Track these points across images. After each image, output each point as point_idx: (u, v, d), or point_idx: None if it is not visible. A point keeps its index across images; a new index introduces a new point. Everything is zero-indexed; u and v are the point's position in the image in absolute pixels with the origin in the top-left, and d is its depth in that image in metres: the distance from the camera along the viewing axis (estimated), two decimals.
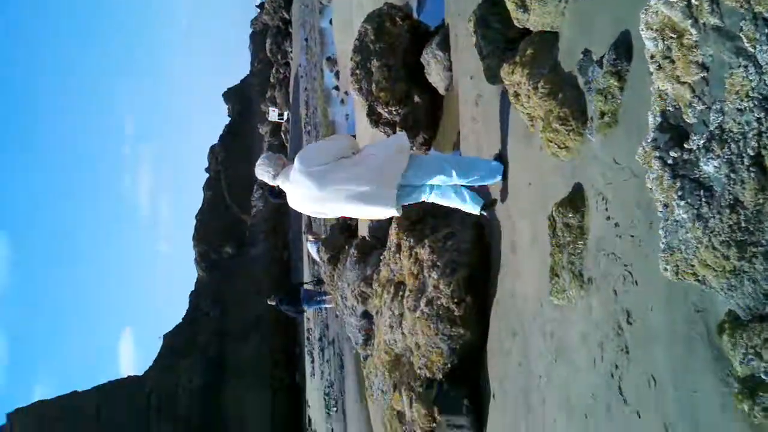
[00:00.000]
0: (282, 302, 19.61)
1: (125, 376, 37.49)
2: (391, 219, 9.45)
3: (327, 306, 19.06)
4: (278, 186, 6.48)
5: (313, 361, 27.39)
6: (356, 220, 18.78)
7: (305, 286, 21.34)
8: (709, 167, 2.89)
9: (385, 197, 6.23)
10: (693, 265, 3.12)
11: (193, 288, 38.70)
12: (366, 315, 11.64)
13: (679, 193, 3.04)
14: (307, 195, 6.26)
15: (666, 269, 3.29)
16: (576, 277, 4.94)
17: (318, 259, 18.48)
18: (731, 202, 2.82)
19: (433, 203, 7.06)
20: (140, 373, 36.39)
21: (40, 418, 33.66)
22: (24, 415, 33.93)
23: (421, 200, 6.76)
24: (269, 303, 19.83)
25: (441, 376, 7.72)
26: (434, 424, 7.76)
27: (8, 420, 34.30)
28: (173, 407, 32.88)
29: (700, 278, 3.15)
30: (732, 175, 2.79)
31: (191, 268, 38.71)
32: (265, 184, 6.52)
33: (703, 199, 2.93)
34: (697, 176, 2.97)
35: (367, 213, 6.45)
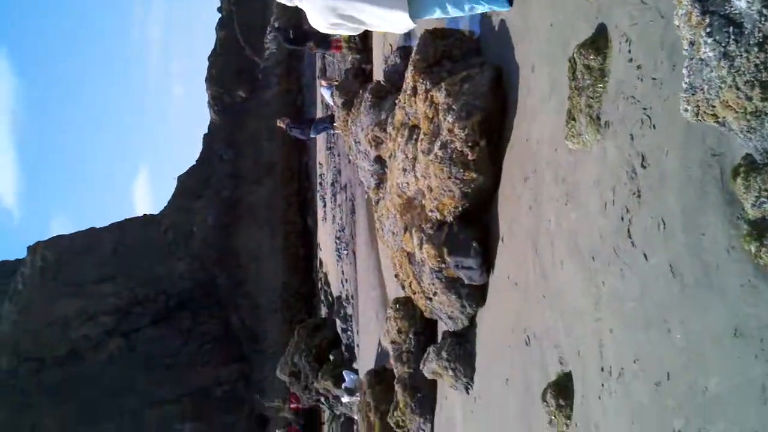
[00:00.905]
0: (291, 126, 20.35)
1: (141, 214, 38.30)
2: (407, 63, 9.28)
3: (334, 132, 19.38)
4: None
5: (324, 206, 27.80)
6: (371, 65, 18.48)
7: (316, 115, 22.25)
8: (741, 2, 2.79)
9: None
10: (714, 106, 3.07)
11: (206, 131, 38.75)
12: (379, 160, 11.66)
13: (707, 30, 2.95)
14: (322, 4, 6.10)
15: (686, 110, 3.24)
16: (593, 121, 4.90)
17: (331, 103, 18.37)
18: (760, 40, 2.74)
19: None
20: (156, 212, 37.18)
21: (59, 251, 34.79)
22: (44, 248, 35.05)
23: (437, 14, 6.42)
24: (279, 125, 20.44)
25: (452, 219, 7.83)
26: (443, 265, 7.95)
27: (29, 252, 35.48)
28: (188, 245, 33.84)
29: (720, 120, 3.11)
30: (765, 11, 2.69)
31: (204, 111, 38.56)
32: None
33: (732, 37, 2.85)
34: (727, 12, 2.87)
35: (379, 17, 6.22)
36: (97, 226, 35.93)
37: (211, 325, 32.77)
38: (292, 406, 27.11)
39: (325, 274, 28.18)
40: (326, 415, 26.57)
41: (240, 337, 32.52)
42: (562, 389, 5.69)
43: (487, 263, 7.79)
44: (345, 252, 22.89)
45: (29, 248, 35.52)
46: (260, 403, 31.01)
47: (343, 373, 19.14)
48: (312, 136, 21.65)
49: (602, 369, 4.96)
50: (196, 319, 32.93)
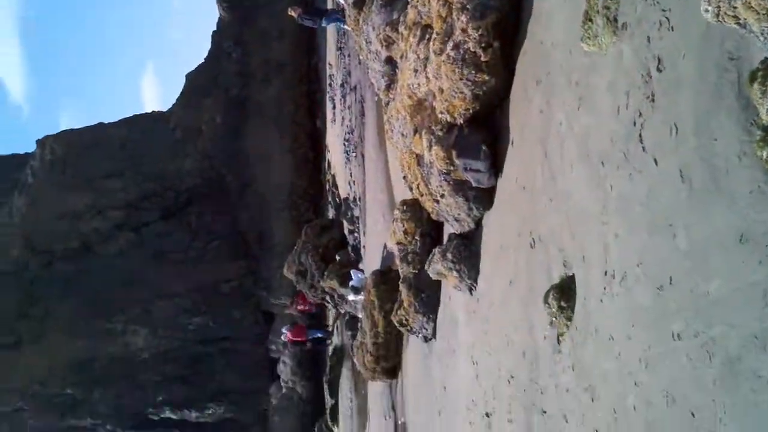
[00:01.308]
0: (303, 16, 20.21)
1: (150, 111, 38.05)
2: None
3: (345, 27, 19.09)
4: None
5: (334, 108, 27.57)
6: None
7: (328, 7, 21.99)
8: None
9: None
10: (736, 7, 3.01)
11: (215, 28, 38.06)
12: (390, 61, 11.50)
13: None
14: None
15: (707, 10, 3.18)
16: (610, 22, 4.80)
17: (342, 1, 17.98)
18: None
19: None
20: (164, 109, 36.97)
21: (68, 145, 34.77)
22: (53, 142, 35.03)
23: None
24: (290, 14, 20.26)
25: (462, 122, 7.78)
26: (451, 167, 7.95)
27: (38, 146, 35.49)
28: (197, 143, 33.76)
29: (740, 21, 3.06)
30: None
31: (213, 7, 37.71)
32: None
33: None
34: None
35: None
36: (106, 122, 35.81)
37: (219, 222, 33.06)
38: (299, 307, 27.62)
39: (333, 176, 28.24)
40: (331, 313, 27.16)
41: (247, 235, 32.84)
42: (565, 291, 5.79)
43: (496, 166, 7.79)
44: (353, 154, 22.84)
45: (38, 142, 35.50)
46: (266, 300, 31.62)
47: (351, 272, 19.42)
48: (323, 25, 21.52)
49: (605, 273, 5.03)
50: (204, 216, 33.19)
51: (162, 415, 33.43)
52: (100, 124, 36.26)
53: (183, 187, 33.58)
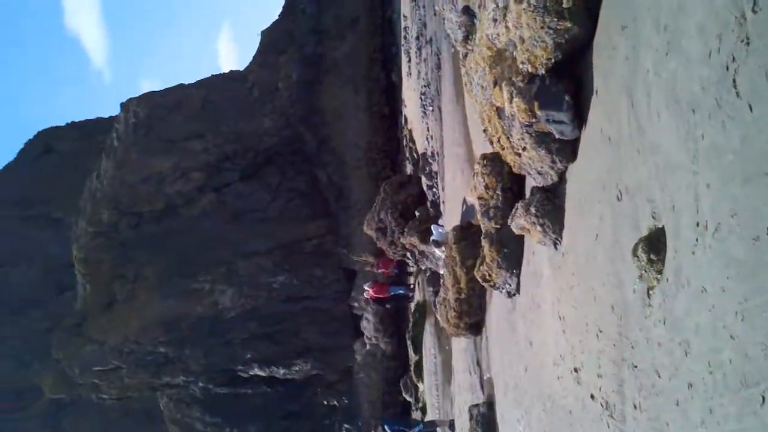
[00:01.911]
0: None
1: (227, 71, 38.51)
2: None
3: None
4: None
5: (409, 61, 27.35)
6: None
7: None
8: None
9: None
10: None
11: None
12: (467, 10, 11.26)
13: None
14: None
15: None
16: None
17: None
18: None
19: None
20: (241, 68, 37.30)
21: (151, 107, 35.54)
22: (136, 105, 35.88)
23: None
24: None
25: (543, 72, 7.58)
26: (533, 119, 7.78)
27: (122, 109, 36.42)
28: (274, 102, 34.01)
29: None
30: None
31: None
32: None
33: None
34: None
35: None
36: (185, 83, 36.42)
37: (298, 181, 33.40)
38: (380, 270, 27.64)
39: (410, 131, 28.12)
40: (412, 269, 27.25)
41: (326, 193, 33.11)
42: (654, 244, 5.63)
43: (580, 117, 7.58)
44: (430, 108, 22.68)
45: (122, 105, 36.40)
46: (347, 258, 31.91)
47: (432, 227, 19.42)
48: None
49: (697, 224, 4.87)
50: (284, 175, 33.58)
51: (251, 372, 34.42)
52: (180, 85, 36.90)
53: (262, 147, 33.97)
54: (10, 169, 50.89)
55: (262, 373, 34.38)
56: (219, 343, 33.96)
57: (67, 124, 52.21)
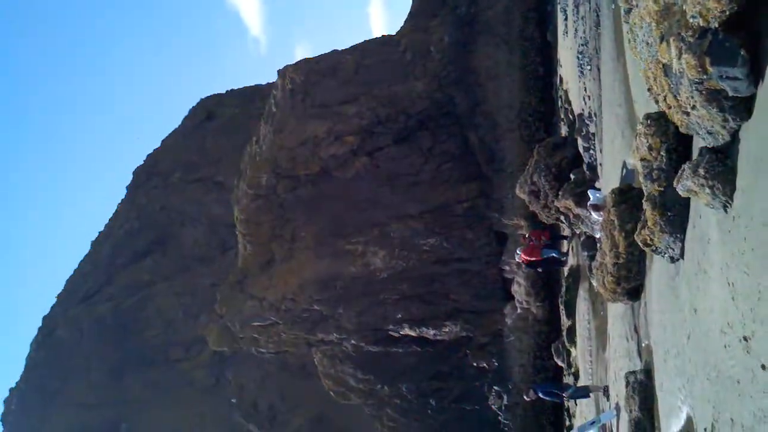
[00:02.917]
0: None
1: (378, 35, 38.86)
2: None
3: None
4: None
5: (566, 19, 26.55)
6: None
7: None
8: None
9: None
10: None
11: None
12: None
13: None
14: None
15: None
16: None
17: None
18: None
19: None
20: (391, 32, 37.55)
21: (306, 73, 36.49)
22: (292, 71, 36.95)
23: None
24: None
25: (716, 25, 7.16)
26: (704, 76, 7.39)
27: (279, 76, 37.62)
28: (426, 65, 34.05)
29: None
30: None
31: None
32: None
33: None
34: None
35: None
36: (339, 49, 37.11)
37: (450, 144, 33.40)
38: (532, 242, 26.83)
39: (566, 92, 27.38)
40: (565, 234, 26.74)
41: (478, 156, 32.93)
42: None
43: (756, 72, 7.12)
44: (588, 67, 21.96)
45: (279, 72, 37.59)
46: (499, 221, 31.70)
47: (588, 191, 18.93)
48: None
49: None
50: (436, 139, 33.66)
51: (401, 332, 35.08)
52: (334, 51, 37.61)
53: (414, 111, 34.15)
54: (176, 136, 54.00)
55: (412, 333, 34.96)
56: (371, 302, 34.79)
57: (228, 91, 54.67)
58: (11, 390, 56.14)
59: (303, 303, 35.80)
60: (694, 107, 7.95)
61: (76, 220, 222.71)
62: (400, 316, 34.36)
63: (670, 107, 8.70)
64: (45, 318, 54.73)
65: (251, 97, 50.34)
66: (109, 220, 54.33)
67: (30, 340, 55.86)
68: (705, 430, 9.37)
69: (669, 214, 10.30)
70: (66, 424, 49.25)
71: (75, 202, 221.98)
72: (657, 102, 9.20)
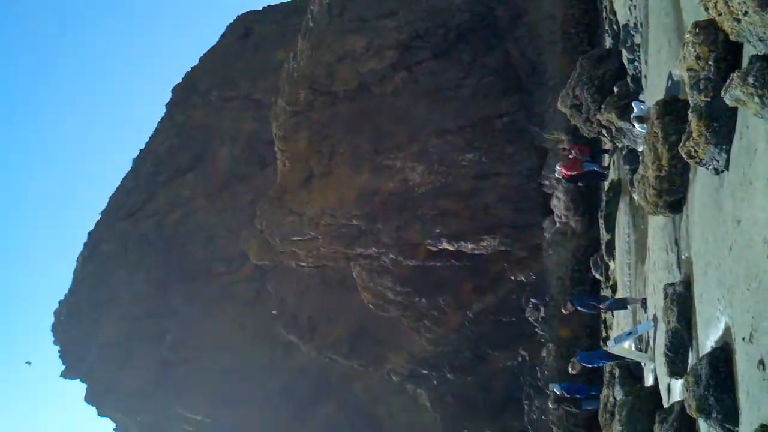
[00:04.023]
0: None
1: None
2: None
3: None
4: None
5: None
6: None
7: None
8: None
9: None
10: None
11: None
12: None
13: None
14: None
15: None
16: None
17: None
18: None
19: None
20: None
21: None
22: None
23: None
24: None
25: None
26: None
27: None
28: None
29: None
30: None
31: None
32: None
33: None
34: None
35: None
36: None
37: (490, 57, 32.85)
38: (572, 155, 26.65)
39: (611, 2, 26.65)
40: (607, 147, 26.47)
41: (519, 69, 32.40)
42: None
43: None
44: None
45: None
46: (540, 135, 31.39)
47: (632, 103, 18.63)
48: None
49: None
50: (476, 52, 33.11)
51: (439, 246, 35.38)
52: None
53: (453, 24, 33.55)
54: (214, 53, 53.79)
55: (450, 248, 35.25)
56: (409, 217, 35.02)
57: (265, 7, 54.02)
58: (60, 302, 58.09)
59: (342, 218, 36.18)
60: (746, 13, 7.78)
61: (119, 138, 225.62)
62: (438, 230, 34.60)
63: (720, 14, 8.50)
64: (90, 233, 56.12)
65: (288, 12, 49.75)
66: (150, 138, 54.90)
67: (76, 255, 57.44)
68: (743, 339, 9.49)
69: (715, 124, 10.18)
70: (113, 333, 51.07)
71: (118, 119, 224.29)
72: (706, 9, 8.99)
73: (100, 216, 55.92)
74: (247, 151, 48.03)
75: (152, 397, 50.52)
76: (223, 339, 46.80)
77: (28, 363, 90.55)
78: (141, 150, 54.99)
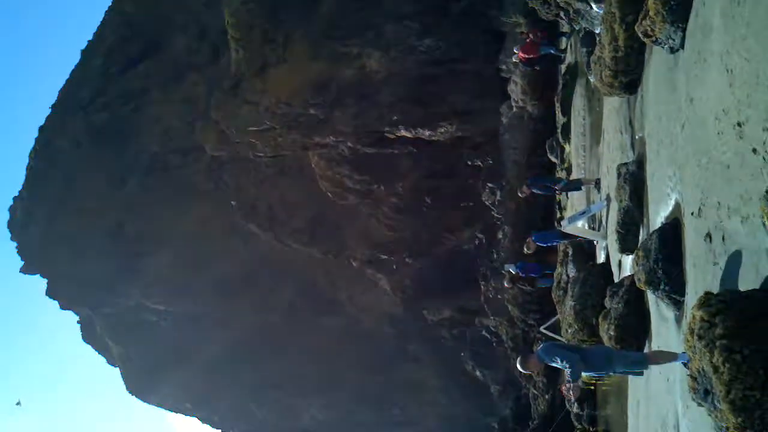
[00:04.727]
0: None
1: None
2: None
3: None
4: None
5: None
6: None
7: None
8: None
9: None
10: None
11: None
12: None
13: None
14: None
15: None
16: None
17: None
18: None
19: None
20: None
21: None
22: None
23: None
24: None
25: None
26: None
27: None
28: None
29: None
30: None
31: None
32: None
33: None
34: None
35: None
36: None
37: None
38: (530, 40, 26.39)
39: None
40: (565, 29, 26.33)
41: None
42: None
43: None
44: None
45: None
46: (497, 19, 30.98)
47: None
48: None
49: None
50: None
51: (397, 134, 35.40)
52: None
53: None
54: None
55: (408, 135, 35.30)
56: (367, 105, 34.81)
57: None
58: (15, 199, 57.14)
59: (298, 107, 35.82)
60: None
61: (66, 28, 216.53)
62: (395, 118, 34.52)
63: None
64: (42, 128, 54.66)
65: None
66: (98, 28, 52.79)
67: (28, 150, 56.02)
68: (692, 213, 9.86)
69: (672, 3, 10.23)
70: (70, 228, 50.50)
71: (64, 6, 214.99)
72: None
73: (50, 110, 54.38)
74: (200, 42, 46.65)
75: (114, 290, 50.67)
76: (183, 231, 46.68)
77: (18, 404, 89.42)
78: (89, 41, 53.00)
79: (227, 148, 41.29)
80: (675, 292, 10.69)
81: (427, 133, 34.64)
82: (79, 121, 50.52)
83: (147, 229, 48.36)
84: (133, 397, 57.94)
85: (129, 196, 48.21)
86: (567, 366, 10.35)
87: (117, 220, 49.24)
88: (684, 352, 8.13)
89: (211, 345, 48.93)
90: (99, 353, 59.20)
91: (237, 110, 37.49)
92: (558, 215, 28.94)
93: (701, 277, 9.48)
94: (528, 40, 25.98)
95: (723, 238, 8.58)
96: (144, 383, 55.95)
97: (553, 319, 25.50)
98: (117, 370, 57.92)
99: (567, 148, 26.68)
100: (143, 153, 47.73)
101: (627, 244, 14.25)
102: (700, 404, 7.42)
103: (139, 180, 47.93)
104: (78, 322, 58.84)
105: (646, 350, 12.87)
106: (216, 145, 41.94)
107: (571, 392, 12.25)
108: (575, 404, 21.64)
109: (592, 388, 19.27)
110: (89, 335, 58.43)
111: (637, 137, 14.45)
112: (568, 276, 21.52)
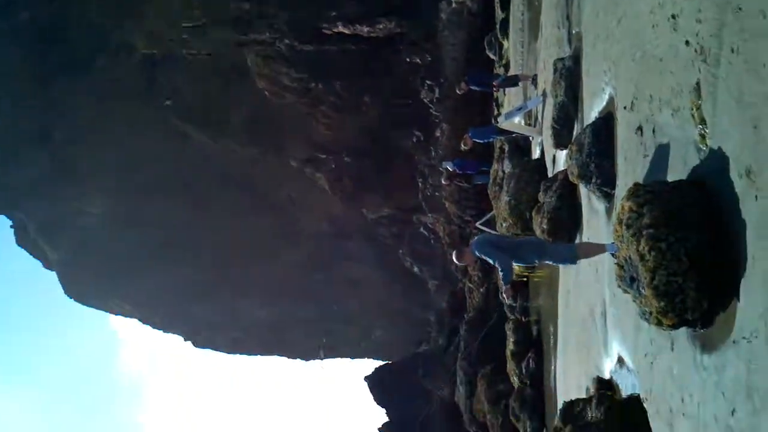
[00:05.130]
0: None
1: None
2: None
3: None
4: None
5: None
6: None
7: None
8: None
9: None
10: None
11: None
12: None
13: None
14: None
15: None
16: None
17: None
18: None
19: None
20: None
21: None
22: None
23: None
24: None
25: None
26: None
27: None
28: None
29: None
30: None
31: None
32: None
33: None
34: None
35: None
36: None
37: None
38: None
39: None
40: None
41: None
42: None
43: None
44: None
45: None
46: None
47: None
48: None
49: None
50: None
51: (335, 30, 34.70)
52: None
53: None
54: None
55: (346, 31, 34.65)
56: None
57: None
58: None
59: (232, 1, 34.75)
60: None
61: None
62: (334, 13, 33.78)
63: None
64: None
65: None
66: None
67: None
68: (625, 107, 10.00)
69: None
70: None
71: None
72: None
73: None
74: None
75: (47, 194, 49.47)
76: (117, 133, 45.44)
77: None
78: None
79: (159, 46, 40.00)
80: (606, 185, 10.92)
81: (366, 29, 34.05)
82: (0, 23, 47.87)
83: (78, 133, 46.88)
84: (72, 300, 57.61)
85: (56, 98, 46.35)
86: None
87: (42, 125, 47.49)
88: (612, 243, 8.40)
89: (149, 247, 48.61)
90: (34, 257, 58.25)
91: (168, 5, 36.16)
92: (496, 113, 29.05)
93: (631, 169, 9.67)
94: None
95: (653, 131, 8.73)
96: (81, 287, 55.55)
97: (489, 215, 25.89)
98: (54, 274, 57.19)
99: (505, 44, 26.57)
100: (70, 53, 45.66)
101: (561, 140, 14.39)
102: (625, 291, 7.71)
103: (65, 81, 45.99)
104: (11, 227, 57.54)
105: (576, 241, 13.23)
106: (147, 43, 40.56)
107: (504, 294, 12.58)
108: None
109: (525, 279, 19.80)
110: (23, 239, 57.31)
111: (573, 32, 14.43)
112: (503, 172, 21.76)
